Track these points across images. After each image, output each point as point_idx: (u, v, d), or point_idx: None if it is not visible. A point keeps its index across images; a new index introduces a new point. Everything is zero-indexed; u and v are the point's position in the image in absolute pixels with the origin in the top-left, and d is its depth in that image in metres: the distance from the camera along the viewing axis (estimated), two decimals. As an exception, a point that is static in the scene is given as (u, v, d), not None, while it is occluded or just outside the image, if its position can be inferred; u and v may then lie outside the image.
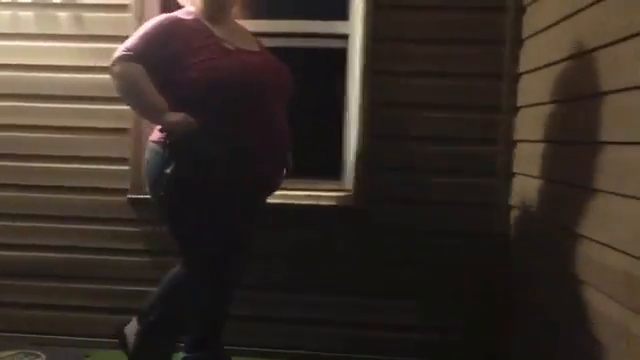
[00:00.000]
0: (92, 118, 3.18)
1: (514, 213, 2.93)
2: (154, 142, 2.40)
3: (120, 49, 2.34)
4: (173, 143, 2.27)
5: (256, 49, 2.52)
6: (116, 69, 2.33)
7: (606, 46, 2.02)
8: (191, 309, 2.56)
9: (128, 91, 2.34)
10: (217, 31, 2.42)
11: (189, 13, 2.47)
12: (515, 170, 2.92)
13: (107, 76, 3.19)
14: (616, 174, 1.95)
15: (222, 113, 2.29)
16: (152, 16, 3.11)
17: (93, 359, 3.11)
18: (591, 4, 2.14)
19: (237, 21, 2.62)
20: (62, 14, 3.17)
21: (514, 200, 2.92)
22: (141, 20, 3.10)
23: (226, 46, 2.38)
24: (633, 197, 1.82)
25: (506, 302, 2.96)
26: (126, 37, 3.04)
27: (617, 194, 1.92)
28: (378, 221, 3.06)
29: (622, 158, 1.91)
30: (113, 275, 3.22)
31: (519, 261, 2.86)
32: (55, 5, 3.18)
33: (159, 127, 2.38)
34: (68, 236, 3.23)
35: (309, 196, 3.11)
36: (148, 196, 3.14)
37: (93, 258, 3.23)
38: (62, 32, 3.17)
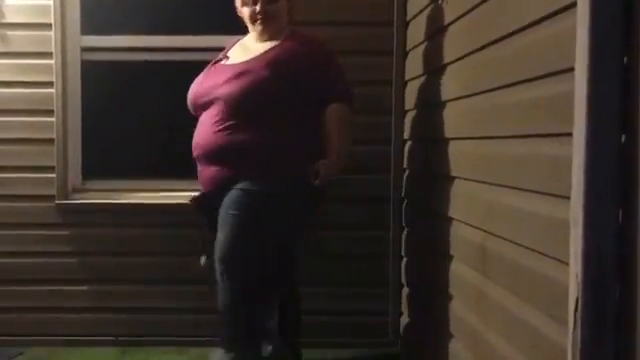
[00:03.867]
0: (18, 130, 3.40)
1: (405, 205, 3.30)
2: None
3: None
4: None
5: (254, 56, 2.71)
6: None
7: (473, 52, 2.35)
8: None
9: None
10: (237, 47, 2.85)
11: None
12: (405, 166, 3.30)
13: (30, 90, 3.44)
14: (473, 164, 2.31)
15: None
16: (74, 34, 3.40)
17: (27, 355, 3.32)
18: (458, 17, 2.48)
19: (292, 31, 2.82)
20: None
21: (405, 193, 3.30)
22: (63, 38, 3.36)
23: (221, 64, 2.77)
24: (486, 182, 2.16)
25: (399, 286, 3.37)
26: (49, 54, 3.33)
27: (476, 181, 2.28)
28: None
29: (477, 151, 2.26)
30: (44, 277, 3.44)
31: (409, 246, 3.24)
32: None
33: None
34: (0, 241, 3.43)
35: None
36: (73, 201, 3.42)
37: (24, 261, 3.43)
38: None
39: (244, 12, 2.78)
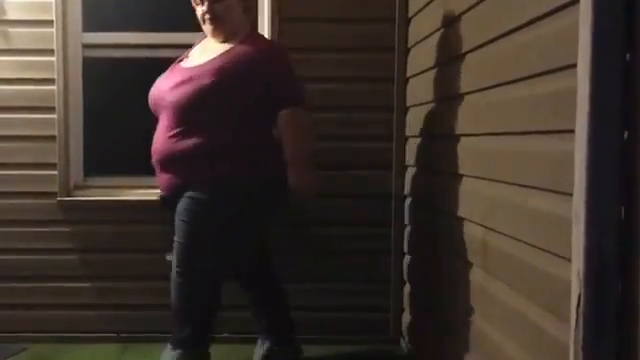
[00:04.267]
0: (20, 127, 3.39)
1: (407, 202, 3.30)
2: None
3: None
4: None
5: (206, 60, 2.70)
6: None
7: (475, 49, 2.34)
8: None
9: None
10: (198, 47, 2.84)
11: None
12: (407, 163, 3.29)
13: (32, 87, 3.43)
14: (475, 160, 2.31)
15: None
16: (75, 31, 3.40)
17: (29, 352, 3.32)
18: (461, 14, 2.48)
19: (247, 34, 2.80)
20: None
21: (407, 190, 3.30)
22: (65, 35, 3.35)
23: (182, 65, 2.78)
24: (488, 179, 2.15)
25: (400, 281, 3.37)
26: (50, 51, 3.32)
27: (478, 177, 2.28)
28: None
29: (479, 147, 2.26)
30: (45, 273, 3.44)
31: (411, 243, 3.24)
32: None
33: None
34: (1, 238, 3.43)
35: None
36: (75, 198, 3.43)
37: (26, 258, 3.43)
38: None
39: (197, 13, 2.78)
